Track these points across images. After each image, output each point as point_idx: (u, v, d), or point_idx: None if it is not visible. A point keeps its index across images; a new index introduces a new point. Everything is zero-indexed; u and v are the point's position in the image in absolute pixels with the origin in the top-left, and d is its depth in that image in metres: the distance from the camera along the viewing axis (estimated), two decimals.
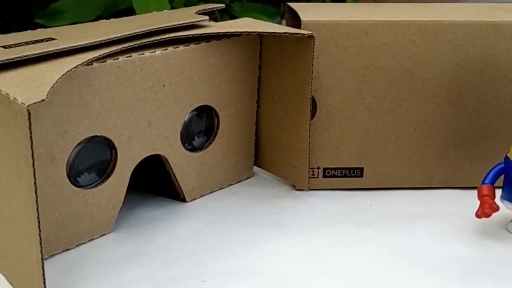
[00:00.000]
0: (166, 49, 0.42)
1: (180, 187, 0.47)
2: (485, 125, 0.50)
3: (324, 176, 0.50)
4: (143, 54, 0.41)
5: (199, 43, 0.44)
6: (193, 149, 0.47)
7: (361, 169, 0.50)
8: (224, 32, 0.44)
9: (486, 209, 0.44)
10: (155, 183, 0.48)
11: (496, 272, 0.41)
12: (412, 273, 0.40)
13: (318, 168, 0.50)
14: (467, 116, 0.49)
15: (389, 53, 0.48)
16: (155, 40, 0.41)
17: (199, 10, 0.48)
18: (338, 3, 0.55)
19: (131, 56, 0.40)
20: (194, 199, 0.48)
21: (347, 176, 0.50)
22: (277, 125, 0.49)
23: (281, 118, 0.49)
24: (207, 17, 0.45)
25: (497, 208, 0.44)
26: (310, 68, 0.45)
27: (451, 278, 0.40)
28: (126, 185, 0.43)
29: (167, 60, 0.42)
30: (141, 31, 0.41)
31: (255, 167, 0.53)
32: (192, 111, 0.46)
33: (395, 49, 0.48)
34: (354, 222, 0.46)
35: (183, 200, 0.47)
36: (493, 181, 0.45)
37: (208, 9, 0.49)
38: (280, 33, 0.44)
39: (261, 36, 0.48)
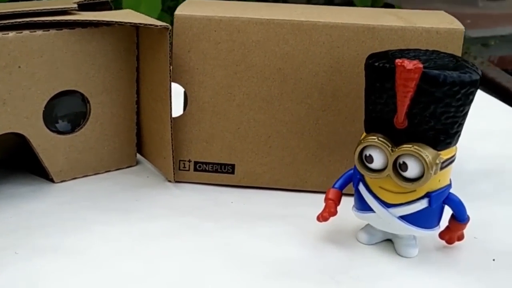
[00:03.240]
0: (21, 32, 0.44)
1: (47, 168, 0.49)
2: (360, 131, 0.48)
3: (195, 169, 0.50)
4: None
5: (61, 29, 0.46)
6: (61, 132, 0.49)
7: (233, 166, 0.50)
8: (83, 20, 0.46)
9: (324, 213, 0.43)
10: (32, 162, 0.50)
11: (310, 277, 0.40)
12: (221, 267, 0.40)
13: (189, 161, 0.50)
14: (342, 120, 0.48)
15: (261, 51, 0.47)
16: (8, 22, 0.44)
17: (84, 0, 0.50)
18: (236, 1, 0.55)
19: None
20: (64, 180, 0.50)
21: (218, 172, 0.50)
22: (151, 116, 0.50)
23: (153, 108, 0.50)
24: (75, 6, 0.47)
25: (334, 213, 0.43)
26: (168, 60, 0.46)
27: (259, 277, 0.40)
28: None
29: (22, 43, 0.45)
30: None
31: (142, 157, 0.54)
32: (59, 94, 0.47)
33: (267, 47, 0.47)
34: (202, 215, 0.46)
35: (52, 180, 0.49)
36: (341, 186, 0.44)
37: None
38: (135, 23, 0.45)
39: (137, 27, 0.49)
